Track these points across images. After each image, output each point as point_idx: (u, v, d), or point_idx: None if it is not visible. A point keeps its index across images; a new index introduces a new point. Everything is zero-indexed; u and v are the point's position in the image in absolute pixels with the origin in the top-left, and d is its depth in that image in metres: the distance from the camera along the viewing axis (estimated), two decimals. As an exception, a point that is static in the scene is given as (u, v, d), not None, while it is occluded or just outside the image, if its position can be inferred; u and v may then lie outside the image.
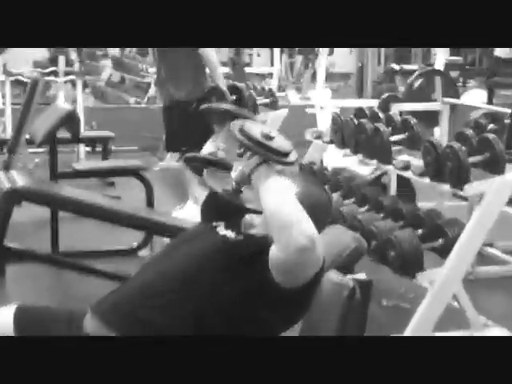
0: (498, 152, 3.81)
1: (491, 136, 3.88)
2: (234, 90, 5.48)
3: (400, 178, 5.22)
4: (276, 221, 2.09)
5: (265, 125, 2.23)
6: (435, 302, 3.73)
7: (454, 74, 13.84)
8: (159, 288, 2.31)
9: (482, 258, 5.03)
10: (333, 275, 1.97)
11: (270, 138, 2.13)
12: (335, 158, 6.79)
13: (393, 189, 5.34)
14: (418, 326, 3.72)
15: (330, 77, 15.03)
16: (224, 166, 2.48)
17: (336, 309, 1.87)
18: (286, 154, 2.15)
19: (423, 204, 4.86)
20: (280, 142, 2.16)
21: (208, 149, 2.57)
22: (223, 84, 5.65)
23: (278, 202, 2.11)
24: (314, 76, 11.59)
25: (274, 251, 2.10)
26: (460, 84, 13.13)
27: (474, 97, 9.47)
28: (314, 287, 2.10)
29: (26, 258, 4.49)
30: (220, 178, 2.39)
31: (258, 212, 2.21)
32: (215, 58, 5.69)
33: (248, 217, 2.41)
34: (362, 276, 1.91)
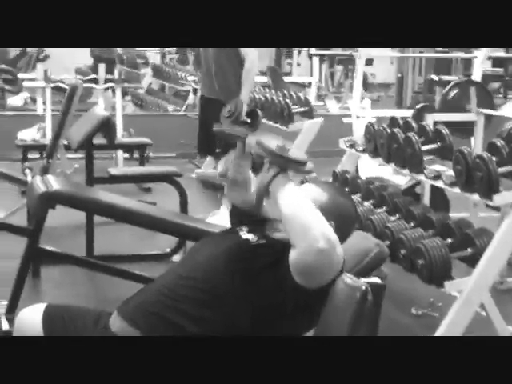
0: (527, 163, 3.82)
1: (521, 147, 3.88)
2: (251, 114, 5.51)
3: (434, 189, 5.22)
4: (295, 225, 2.15)
5: (278, 139, 2.33)
6: (463, 311, 3.75)
7: (495, 85, 13.83)
8: (182, 291, 2.36)
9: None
10: (347, 278, 2.01)
11: (286, 150, 2.24)
12: (371, 168, 6.81)
13: (426, 199, 5.34)
14: (445, 334, 3.74)
15: (370, 87, 15.07)
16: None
17: (348, 310, 1.92)
18: (303, 163, 2.26)
19: (456, 214, 4.86)
20: (296, 153, 2.27)
21: (221, 166, 2.67)
22: (247, 94, 5.73)
23: (296, 207, 2.18)
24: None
25: (293, 255, 2.15)
26: (501, 95, 13.08)
27: (515, 108, 9.38)
28: (330, 288, 2.15)
29: (61, 260, 4.57)
30: (240, 191, 2.48)
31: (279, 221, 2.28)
32: (255, 71, 5.79)
33: (273, 222, 2.46)
34: (375, 280, 1.95)
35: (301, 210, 2.17)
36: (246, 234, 2.50)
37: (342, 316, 1.94)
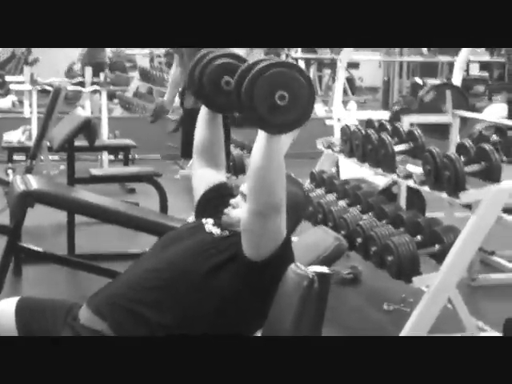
0: (493, 162, 3.94)
1: (487, 146, 4.00)
2: None
3: (410, 189, 5.32)
4: (252, 182, 2.25)
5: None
6: (430, 306, 3.86)
7: (480, 88, 13.95)
8: (147, 284, 2.46)
9: (485, 266, 5.15)
10: (295, 267, 2.13)
11: (274, 109, 2.09)
12: (352, 169, 6.91)
13: (402, 198, 5.44)
14: (413, 327, 3.84)
15: (358, 90, 15.18)
16: None
17: (296, 297, 2.03)
18: (280, 126, 2.13)
19: (433, 214, 4.96)
20: (281, 115, 2.11)
21: None
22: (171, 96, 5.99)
23: (262, 164, 2.20)
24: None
25: (244, 213, 2.30)
26: (485, 98, 13.22)
27: (496, 110, 9.51)
28: (281, 269, 2.26)
29: (42, 258, 4.65)
30: None
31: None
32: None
33: (226, 216, 2.55)
34: (322, 269, 2.06)
35: (268, 169, 2.20)
36: (210, 227, 2.59)
37: (289, 302, 2.06)
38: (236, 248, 2.38)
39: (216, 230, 2.56)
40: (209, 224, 2.61)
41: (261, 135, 2.22)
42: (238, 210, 2.49)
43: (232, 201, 2.54)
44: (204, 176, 2.75)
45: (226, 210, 2.54)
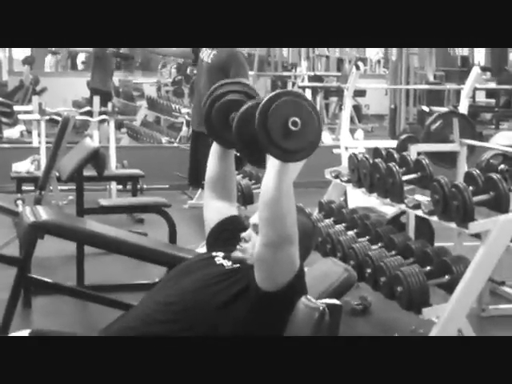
0: (501, 191, 3.95)
1: (496, 176, 4.01)
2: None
3: (419, 218, 5.31)
4: (263, 213, 2.27)
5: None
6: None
7: (487, 116, 13.99)
8: (159, 317, 2.47)
9: (495, 297, 5.13)
10: (306, 300, 2.14)
11: (288, 135, 2.13)
12: (360, 198, 6.91)
13: (411, 228, 5.43)
14: (423, 359, 3.83)
15: (364, 118, 15.23)
16: None
17: (307, 329, 2.04)
18: (292, 153, 2.17)
19: (442, 244, 4.94)
20: (295, 140, 2.15)
21: None
22: None
23: (273, 195, 2.23)
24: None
25: (257, 247, 2.31)
26: (493, 126, 13.25)
27: (504, 138, 9.51)
28: (295, 299, 2.26)
29: (52, 289, 4.65)
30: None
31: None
32: None
33: (238, 252, 2.56)
34: (333, 301, 2.07)
35: (279, 200, 2.23)
36: (220, 260, 2.60)
37: (301, 334, 2.06)
38: (248, 280, 2.39)
39: (227, 263, 2.58)
40: (219, 257, 2.62)
41: (271, 167, 2.24)
42: (250, 244, 2.50)
43: (243, 234, 2.55)
44: (217, 209, 2.77)
45: (238, 246, 2.55)
